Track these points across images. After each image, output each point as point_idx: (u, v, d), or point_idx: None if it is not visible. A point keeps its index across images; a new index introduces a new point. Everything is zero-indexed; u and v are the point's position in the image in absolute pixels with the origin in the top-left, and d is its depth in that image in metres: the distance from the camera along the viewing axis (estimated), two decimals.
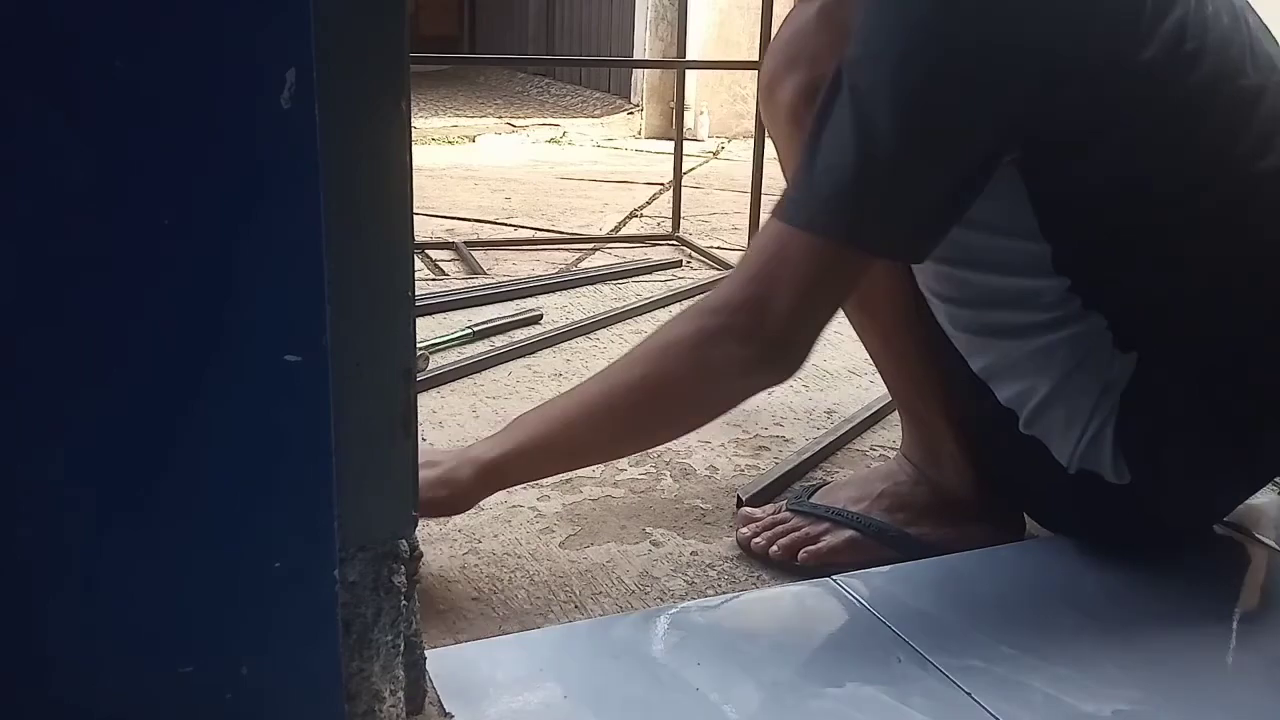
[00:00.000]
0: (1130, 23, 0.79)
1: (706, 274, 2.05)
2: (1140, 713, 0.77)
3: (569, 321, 1.68)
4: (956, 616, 0.88)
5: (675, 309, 1.81)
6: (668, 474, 1.16)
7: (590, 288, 1.93)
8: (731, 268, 2.04)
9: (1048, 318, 0.87)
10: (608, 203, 2.98)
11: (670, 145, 2.58)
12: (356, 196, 0.57)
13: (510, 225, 2.60)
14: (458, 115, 4.93)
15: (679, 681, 0.79)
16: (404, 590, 0.65)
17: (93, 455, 0.50)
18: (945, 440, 1.01)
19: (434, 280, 1.98)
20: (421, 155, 3.41)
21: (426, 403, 1.33)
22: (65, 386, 0.49)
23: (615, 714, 0.75)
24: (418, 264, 1.98)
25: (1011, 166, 0.82)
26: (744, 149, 3.42)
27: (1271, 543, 1.03)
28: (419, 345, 1.25)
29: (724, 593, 0.93)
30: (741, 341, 0.83)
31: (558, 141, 4.39)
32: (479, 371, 1.47)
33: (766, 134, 1.03)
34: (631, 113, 4.87)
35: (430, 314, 1.69)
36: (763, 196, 2.12)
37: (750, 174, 2.11)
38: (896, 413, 1.34)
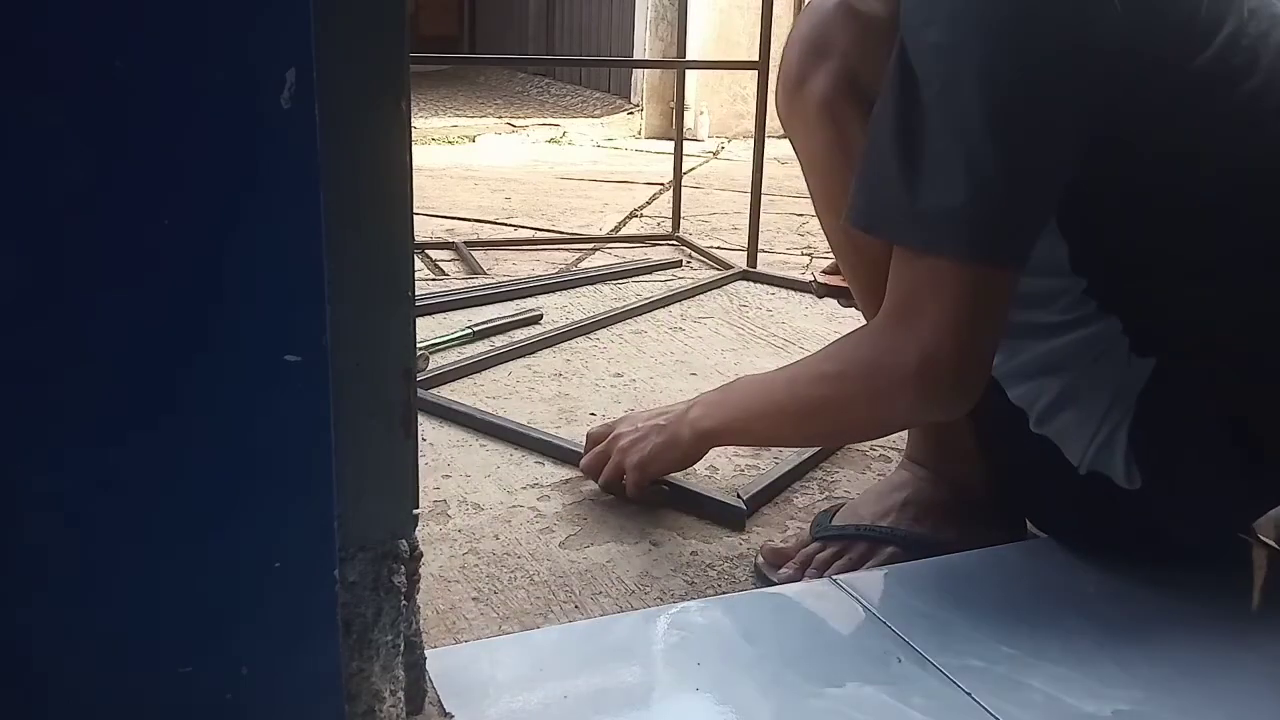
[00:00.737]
0: (1187, 29, 0.79)
1: (707, 274, 2.05)
2: (1140, 712, 0.77)
3: (569, 321, 1.68)
4: (956, 616, 0.88)
5: (675, 309, 1.81)
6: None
7: (590, 288, 1.93)
8: (731, 267, 2.05)
9: (1062, 319, 0.87)
10: (608, 203, 2.98)
11: (670, 145, 2.58)
12: (356, 196, 0.57)
13: (510, 225, 2.60)
14: (458, 115, 4.93)
15: (679, 681, 0.79)
16: (404, 590, 0.65)
17: (92, 455, 0.50)
18: (962, 436, 0.99)
19: (434, 280, 1.98)
20: (421, 155, 3.42)
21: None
22: (64, 386, 0.49)
23: (615, 714, 0.75)
24: (418, 264, 1.98)
25: None
26: (744, 149, 3.42)
27: (1271, 543, 1.03)
28: (419, 345, 1.25)
29: (724, 593, 0.93)
30: (911, 383, 0.82)
31: (558, 141, 4.39)
32: (479, 371, 1.47)
33: (785, 134, 0.99)
34: (631, 113, 4.87)
35: (430, 314, 1.69)
36: (763, 197, 2.12)
37: (750, 174, 2.11)
38: None
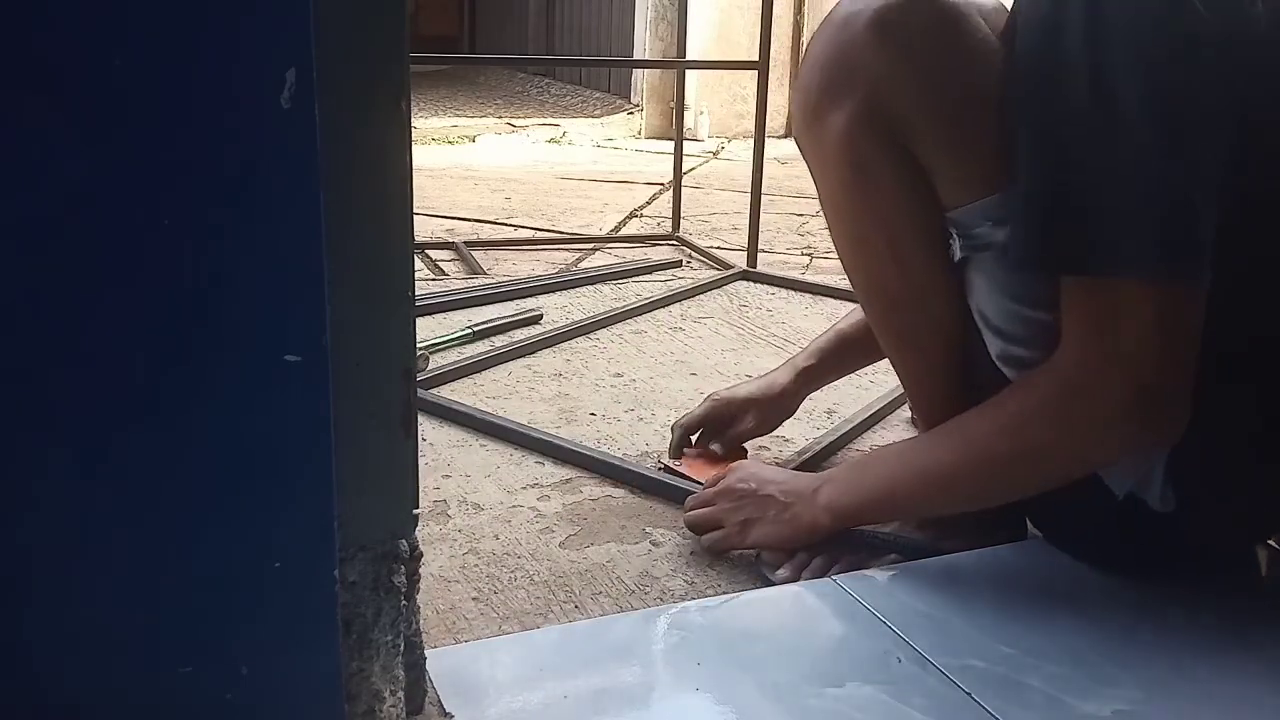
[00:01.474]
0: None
1: (707, 274, 2.05)
2: (1140, 713, 0.77)
3: (569, 321, 1.68)
4: (956, 616, 0.88)
5: (675, 309, 1.81)
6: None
7: (590, 288, 1.93)
8: (731, 267, 2.05)
9: None
10: (608, 203, 2.98)
11: (670, 145, 2.58)
12: (356, 196, 0.57)
13: (510, 225, 2.60)
14: (458, 115, 4.93)
15: (679, 681, 0.79)
16: (404, 590, 0.65)
17: (92, 454, 0.50)
18: None
19: (434, 280, 1.99)
20: (421, 155, 3.41)
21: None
22: (65, 386, 0.49)
23: (615, 714, 0.75)
24: (418, 264, 1.98)
25: None
26: (744, 149, 3.42)
27: (1272, 543, 1.03)
28: (419, 345, 1.25)
29: (724, 593, 0.93)
30: (1128, 414, 0.78)
31: (558, 141, 4.39)
32: (479, 371, 1.47)
33: (801, 156, 0.95)
34: (631, 113, 4.87)
35: (430, 314, 1.69)
36: (763, 197, 2.12)
37: (750, 174, 2.11)
38: (895, 414, 1.35)
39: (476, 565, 0.96)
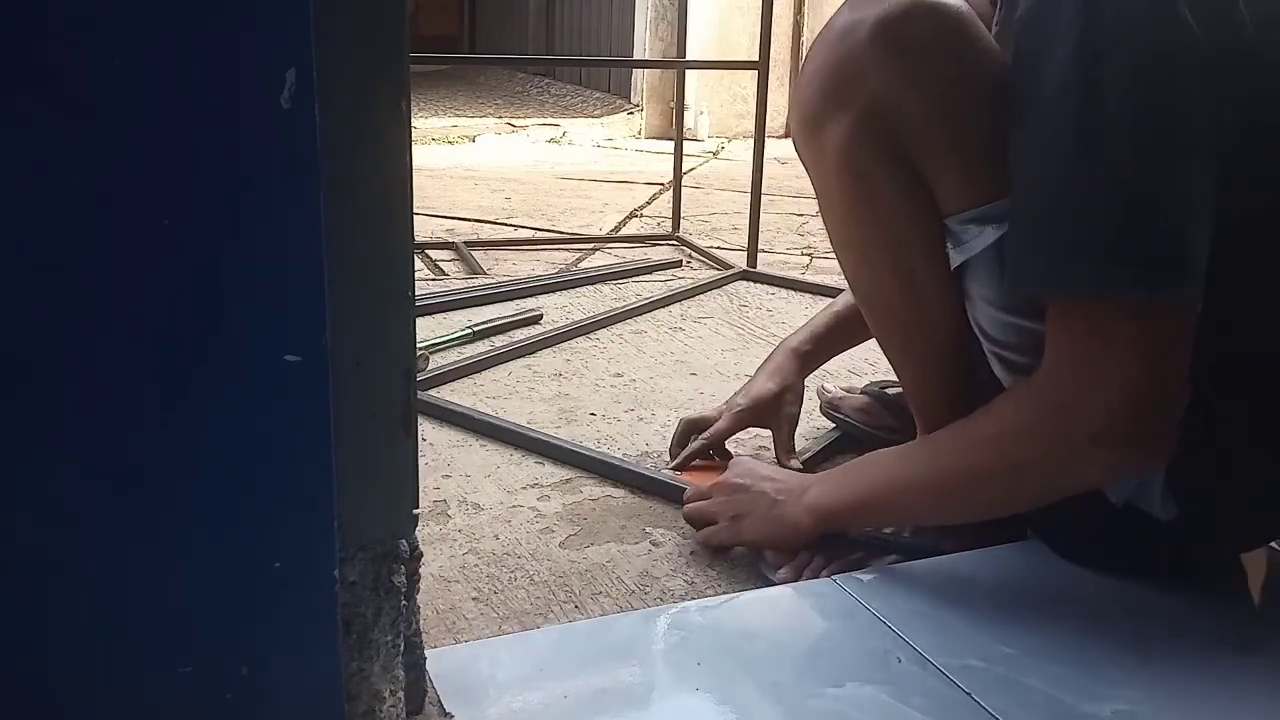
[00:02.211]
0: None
1: (707, 274, 2.05)
2: (1140, 713, 0.77)
3: (569, 321, 1.68)
4: (956, 616, 0.88)
5: (675, 309, 1.81)
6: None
7: (590, 288, 1.93)
8: (731, 267, 2.05)
9: None
10: (608, 203, 2.98)
11: (670, 145, 2.58)
12: (356, 197, 0.57)
13: (510, 225, 2.60)
14: (458, 115, 4.93)
15: (679, 681, 0.79)
16: (404, 590, 0.65)
17: (92, 454, 0.50)
18: None
19: (434, 280, 1.99)
20: (421, 155, 3.42)
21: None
22: (65, 386, 0.49)
23: (615, 714, 0.75)
24: (418, 264, 1.98)
25: None
26: (744, 149, 3.42)
27: (1272, 542, 1.03)
28: (419, 345, 1.25)
29: (724, 593, 0.93)
30: (1104, 440, 0.77)
31: (558, 141, 4.39)
32: (479, 371, 1.47)
33: (801, 162, 0.96)
34: (631, 113, 4.87)
35: (430, 314, 1.69)
36: (763, 197, 2.12)
37: (750, 174, 2.11)
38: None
39: (476, 565, 0.96)
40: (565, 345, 1.60)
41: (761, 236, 2.15)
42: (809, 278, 2.05)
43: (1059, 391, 0.78)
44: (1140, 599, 0.92)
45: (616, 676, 0.79)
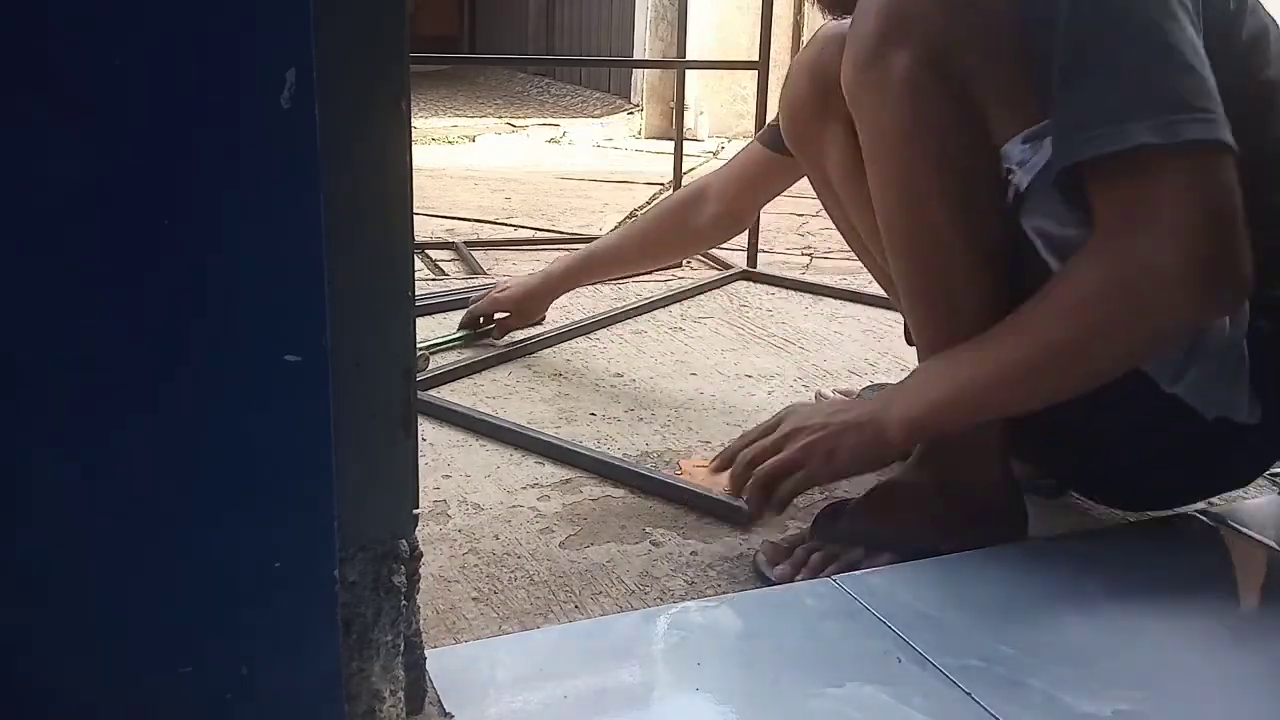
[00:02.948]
0: (1225, 12, 0.86)
1: (707, 273, 2.05)
2: (1140, 712, 0.77)
3: (569, 321, 1.68)
4: (956, 616, 0.88)
5: (675, 309, 1.81)
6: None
7: (590, 288, 1.93)
8: (731, 267, 2.05)
9: None
10: (608, 203, 2.98)
11: (670, 145, 2.58)
12: (356, 196, 0.57)
13: (510, 225, 2.60)
14: (458, 115, 4.93)
15: (679, 681, 0.79)
16: (404, 590, 0.65)
17: (92, 454, 0.50)
18: (983, 445, 0.97)
19: (434, 280, 1.99)
20: (421, 155, 3.41)
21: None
22: (65, 385, 0.49)
23: (615, 714, 0.75)
24: (418, 264, 1.98)
25: None
26: None
27: (1272, 543, 1.03)
28: (419, 345, 1.25)
29: (724, 593, 0.93)
30: (1183, 279, 0.79)
31: (557, 141, 4.39)
32: (479, 371, 1.47)
33: (849, 108, 0.99)
34: (631, 113, 4.87)
35: (430, 314, 1.69)
36: None
37: None
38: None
39: (476, 565, 0.96)
40: (565, 345, 1.60)
41: (761, 236, 2.15)
42: (809, 278, 2.05)
43: (1127, 241, 0.80)
44: (1141, 599, 0.92)
45: (616, 676, 0.79)
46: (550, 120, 4.79)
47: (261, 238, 0.50)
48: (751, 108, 2.17)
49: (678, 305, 1.84)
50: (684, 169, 2.44)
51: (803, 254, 2.44)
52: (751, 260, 2.10)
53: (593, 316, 1.70)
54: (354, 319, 0.57)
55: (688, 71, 2.55)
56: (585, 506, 1.08)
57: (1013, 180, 0.91)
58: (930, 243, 0.95)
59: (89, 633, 0.53)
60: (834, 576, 0.93)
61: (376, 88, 0.56)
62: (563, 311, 1.76)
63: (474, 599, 0.90)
